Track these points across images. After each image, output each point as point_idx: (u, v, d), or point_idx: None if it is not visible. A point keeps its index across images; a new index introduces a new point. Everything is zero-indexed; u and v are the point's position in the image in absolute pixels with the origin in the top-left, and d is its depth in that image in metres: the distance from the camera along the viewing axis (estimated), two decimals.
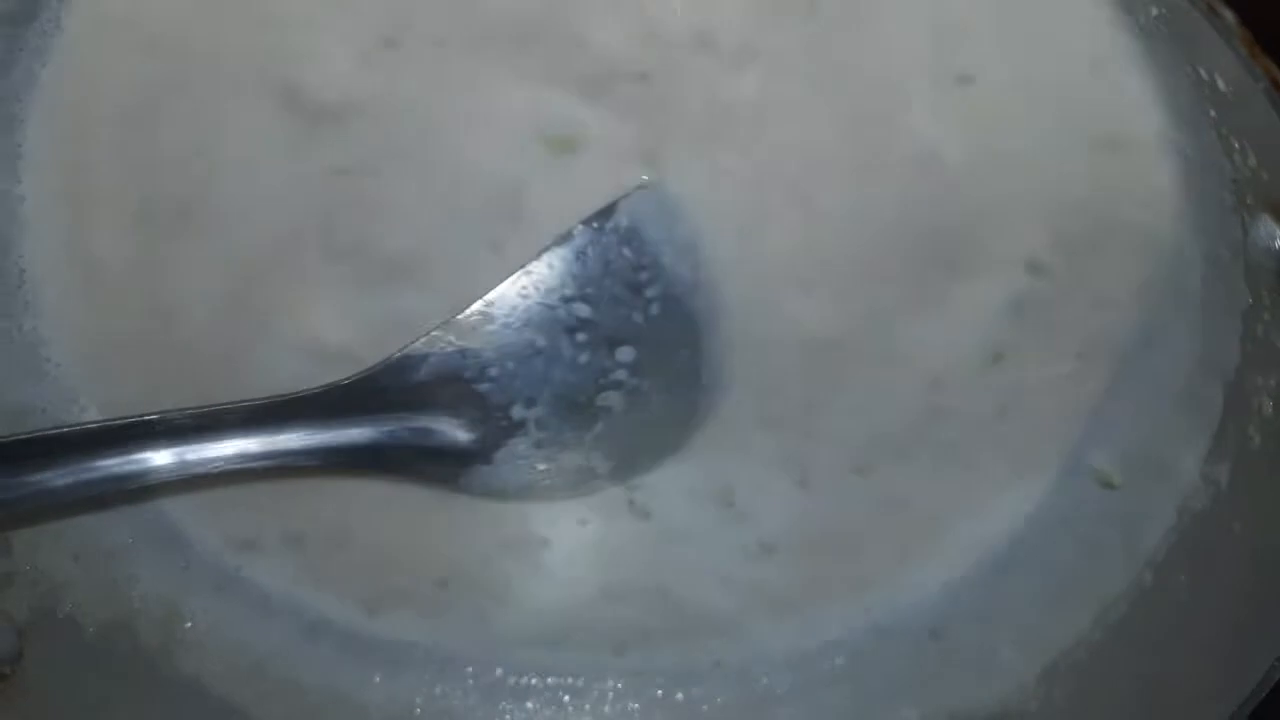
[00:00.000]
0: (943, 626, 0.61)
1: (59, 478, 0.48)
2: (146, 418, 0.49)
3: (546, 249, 0.52)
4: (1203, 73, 0.44)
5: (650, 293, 0.53)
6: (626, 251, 0.52)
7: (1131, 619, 0.55)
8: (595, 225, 0.52)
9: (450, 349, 0.52)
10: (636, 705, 0.64)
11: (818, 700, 0.62)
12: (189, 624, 0.61)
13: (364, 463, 0.54)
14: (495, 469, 0.55)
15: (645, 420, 0.55)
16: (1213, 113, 0.45)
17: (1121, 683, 0.55)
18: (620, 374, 0.54)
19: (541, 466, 0.55)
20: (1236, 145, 0.44)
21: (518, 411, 0.54)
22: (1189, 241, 0.52)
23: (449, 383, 0.53)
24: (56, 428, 0.50)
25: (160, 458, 0.50)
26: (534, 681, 0.63)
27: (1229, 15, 0.38)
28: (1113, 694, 0.55)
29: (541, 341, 0.53)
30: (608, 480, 0.57)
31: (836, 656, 0.62)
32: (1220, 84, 0.43)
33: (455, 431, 0.54)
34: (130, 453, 0.49)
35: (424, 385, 0.53)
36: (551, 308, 0.53)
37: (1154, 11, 0.44)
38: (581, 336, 0.53)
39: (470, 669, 0.63)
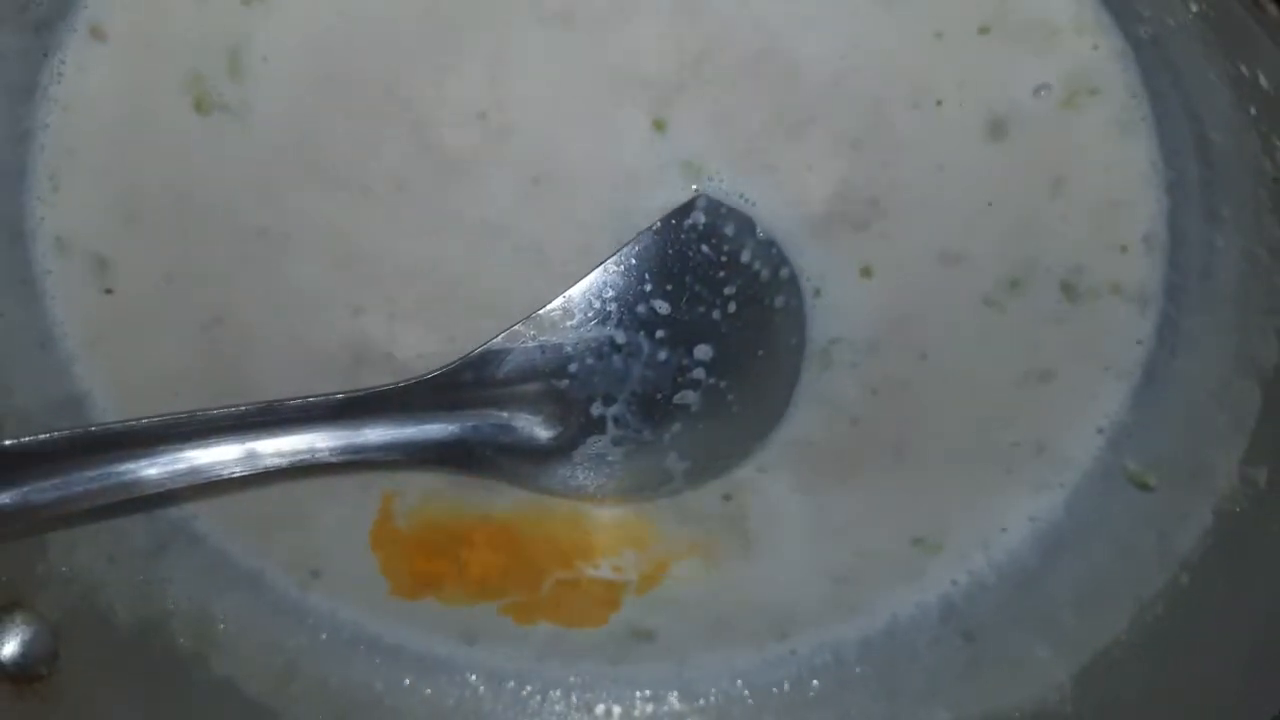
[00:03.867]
0: (975, 628, 0.61)
1: (137, 469, 0.48)
2: (214, 412, 0.50)
3: (626, 245, 0.52)
4: (1244, 69, 0.44)
5: (728, 290, 0.53)
6: (705, 249, 0.52)
7: (1168, 621, 0.55)
8: (674, 222, 0.52)
9: (531, 344, 0.53)
10: (668, 708, 0.64)
11: (851, 702, 0.62)
12: (222, 625, 0.62)
13: (444, 458, 0.54)
14: (573, 467, 0.56)
15: (722, 421, 0.55)
16: (1253, 110, 0.45)
17: (1158, 684, 0.54)
18: (698, 372, 0.54)
19: (619, 465, 0.56)
20: (1278, 142, 0.44)
21: (597, 409, 0.54)
22: (1225, 240, 0.51)
23: (529, 379, 0.53)
24: (118, 422, 0.50)
25: (228, 452, 0.50)
26: (570, 682, 0.63)
27: (1275, 10, 0.38)
28: (1150, 695, 0.55)
29: (621, 338, 0.53)
30: (683, 482, 0.57)
31: (868, 658, 0.62)
32: (1262, 80, 0.43)
33: (535, 428, 0.54)
34: (199, 447, 0.49)
35: (505, 381, 0.53)
36: (631, 304, 0.53)
37: (1194, 9, 0.44)
38: (660, 333, 0.53)
39: (504, 672, 0.64)
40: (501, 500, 0.60)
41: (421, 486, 0.60)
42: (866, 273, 0.54)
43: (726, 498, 0.59)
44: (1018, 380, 0.56)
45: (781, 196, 0.53)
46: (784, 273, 0.53)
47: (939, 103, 0.51)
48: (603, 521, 0.60)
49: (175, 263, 0.56)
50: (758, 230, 0.53)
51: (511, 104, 0.52)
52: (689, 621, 0.62)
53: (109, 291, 0.56)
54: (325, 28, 0.51)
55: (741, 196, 0.53)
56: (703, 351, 0.54)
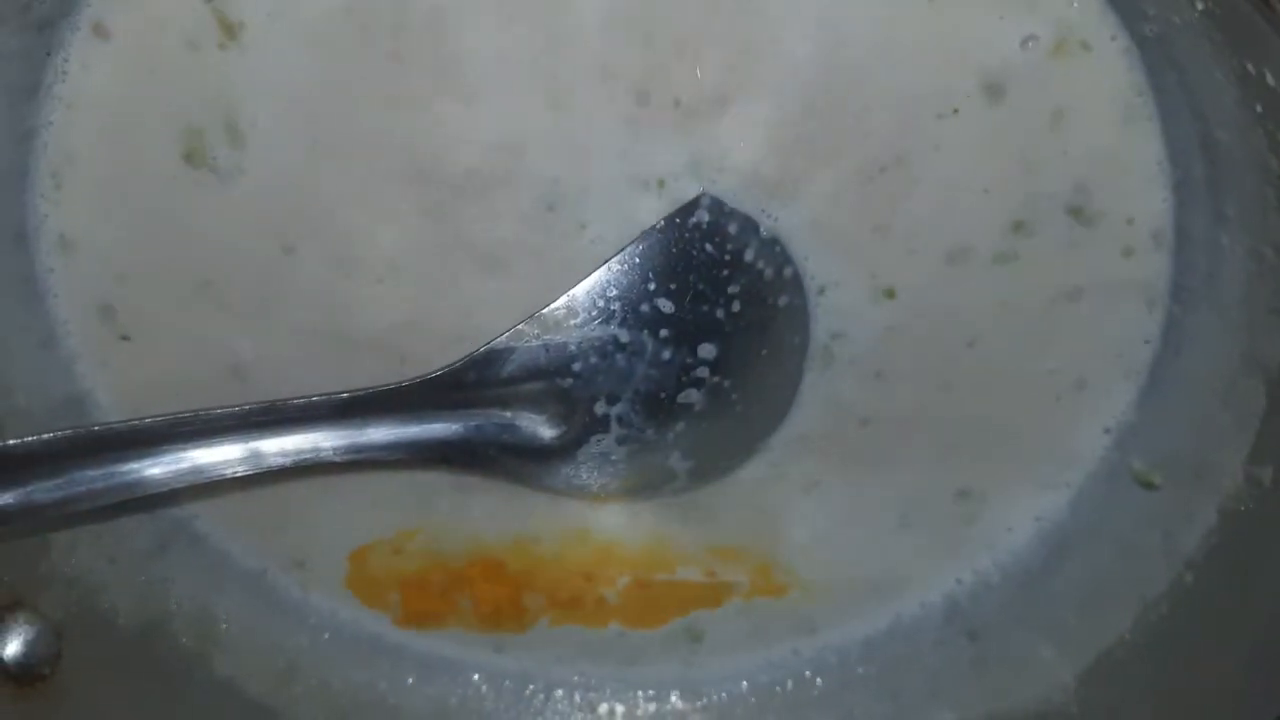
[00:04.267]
0: (980, 628, 0.61)
1: (140, 469, 0.49)
2: (217, 411, 0.50)
3: (630, 243, 0.53)
4: (1250, 67, 0.44)
5: (732, 289, 0.53)
6: (709, 248, 0.52)
7: (1173, 620, 0.55)
8: (678, 221, 0.52)
9: (535, 343, 0.53)
10: (670, 707, 0.64)
11: (855, 702, 0.62)
12: (224, 625, 0.62)
13: (448, 458, 0.54)
14: (577, 466, 0.56)
15: (725, 420, 0.55)
16: (1259, 108, 0.45)
17: (1163, 684, 0.54)
18: (702, 371, 0.54)
19: (623, 464, 0.56)
20: None
21: (600, 408, 0.54)
22: (1231, 239, 0.51)
23: (533, 378, 0.53)
24: (123, 421, 0.50)
25: (231, 452, 0.50)
26: (572, 680, 0.64)
27: None
28: (1154, 695, 0.55)
29: (625, 337, 0.53)
30: (687, 481, 0.57)
31: (872, 658, 0.62)
32: (1269, 78, 0.43)
33: (539, 427, 0.54)
34: (202, 446, 0.49)
35: (509, 380, 0.53)
36: (635, 302, 0.53)
37: (1200, 6, 0.44)
38: (664, 332, 0.53)
39: (506, 672, 0.64)
40: (510, 529, 0.61)
41: (439, 528, 0.61)
42: (890, 294, 0.55)
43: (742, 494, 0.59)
44: (1045, 308, 0.55)
45: (797, 209, 0.53)
46: (788, 272, 0.53)
47: (955, 111, 0.51)
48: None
49: (183, 282, 0.56)
50: (761, 229, 0.53)
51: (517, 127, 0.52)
52: (739, 622, 0.62)
53: (125, 338, 0.57)
54: (302, 67, 0.51)
55: (763, 211, 0.53)
56: (706, 350, 0.54)
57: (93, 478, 0.48)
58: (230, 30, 0.51)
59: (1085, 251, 0.54)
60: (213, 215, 0.54)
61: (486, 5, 0.50)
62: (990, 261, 0.54)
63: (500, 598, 0.62)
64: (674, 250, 0.52)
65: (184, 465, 0.49)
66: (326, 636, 0.63)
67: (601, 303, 0.53)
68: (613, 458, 0.55)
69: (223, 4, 0.50)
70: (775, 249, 0.53)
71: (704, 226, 0.52)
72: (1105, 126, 0.51)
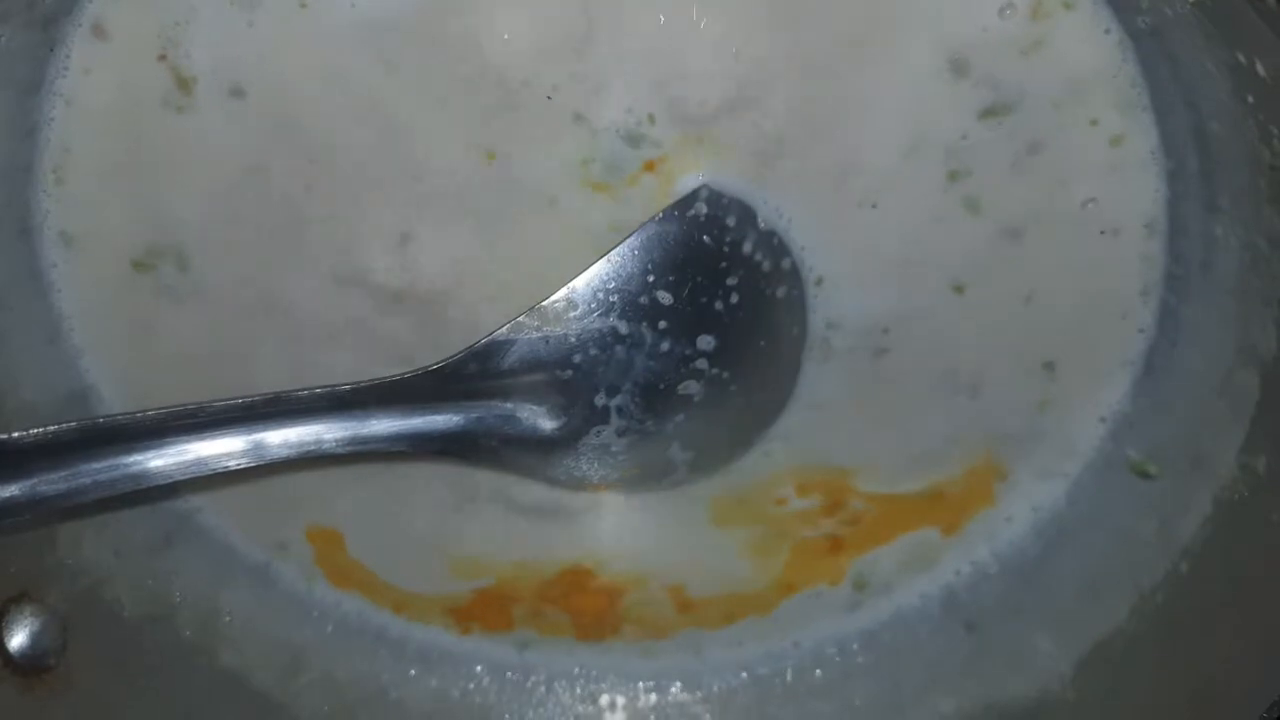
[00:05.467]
0: (977, 619, 0.61)
1: (145, 461, 0.49)
2: (220, 403, 0.50)
3: (629, 236, 0.53)
4: (1241, 58, 0.44)
5: (730, 281, 0.54)
6: (707, 240, 0.53)
7: (1169, 609, 0.55)
8: (676, 213, 0.53)
9: (535, 335, 0.53)
10: (670, 699, 0.64)
11: (854, 693, 0.62)
12: (228, 618, 0.62)
13: (449, 449, 0.55)
14: (577, 458, 0.56)
15: (725, 411, 0.56)
16: (1250, 99, 0.45)
17: (1160, 672, 0.55)
18: (701, 363, 0.55)
19: (623, 456, 0.56)
20: (1276, 131, 0.45)
21: (600, 399, 0.55)
22: (1224, 230, 0.52)
23: (534, 370, 0.54)
24: (126, 413, 0.50)
25: (234, 444, 0.50)
26: (572, 673, 0.64)
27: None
28: (1151, 683, 0.55)
29: (624, 328, 0.53)
30: (687, 472, 0.58)
31: (871, 649, 0.63)
32: (1260, 69, 0.43)
33: (540, 419, 0.55)
34: (206, 438, 0.50)
35: (510, 372, 0.53)
36: (634, 294, 0.53)
37: None
38: (663, 324, 0.54)
39: (508, 664, 0.64)
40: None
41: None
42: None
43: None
44: (1011, 164, 0.53)
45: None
46: (785, 263, 0.54)
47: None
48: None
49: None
50: (759, 221, 0.53)
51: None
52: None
53: None
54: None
55: (785, 218, 0.53)
56: (705, 342, 0.54)
57: (97, 470, 0.48)
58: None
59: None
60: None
61: None
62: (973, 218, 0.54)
63: (600, 606, 0.62)
64: (673, 242, 0.53)
65: (187, 457, 0.49)
66: (330, 629, 0.64)
67: (601, 295, 0.53)
68: (613, 449, 0.56)
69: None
70: (773, 241, 0.53)
71: (702, 219, 0.53)
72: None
